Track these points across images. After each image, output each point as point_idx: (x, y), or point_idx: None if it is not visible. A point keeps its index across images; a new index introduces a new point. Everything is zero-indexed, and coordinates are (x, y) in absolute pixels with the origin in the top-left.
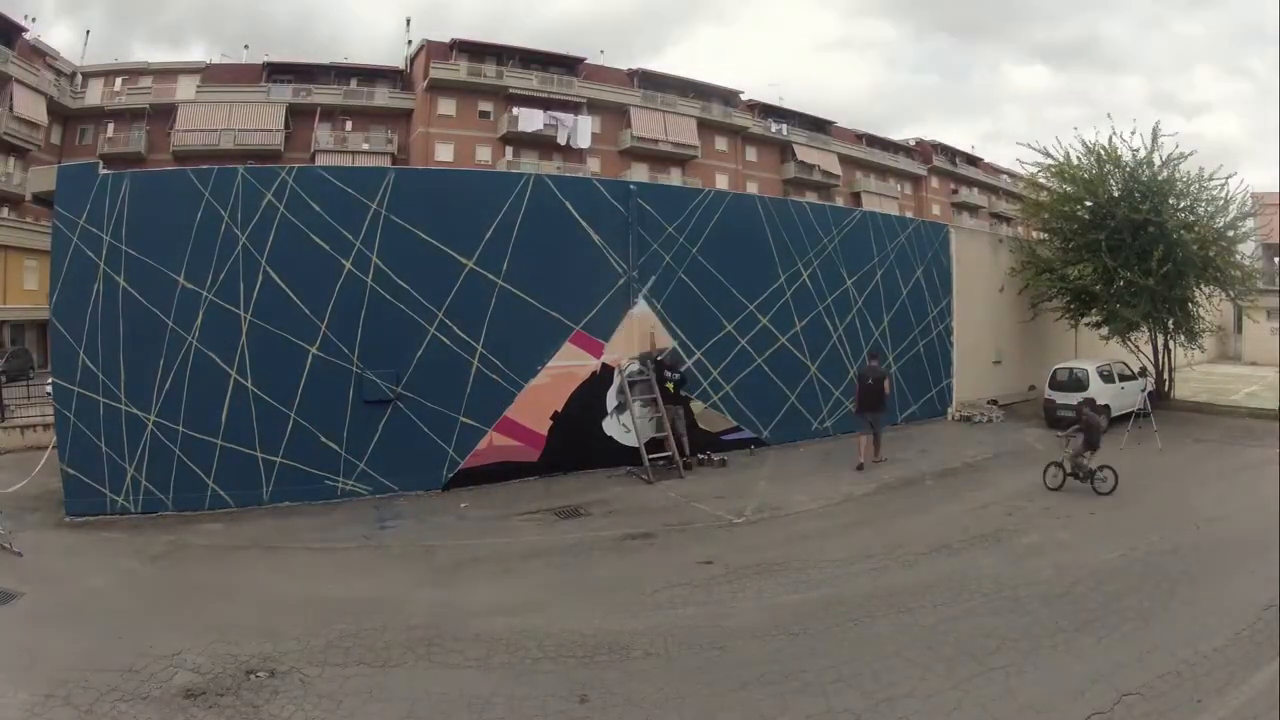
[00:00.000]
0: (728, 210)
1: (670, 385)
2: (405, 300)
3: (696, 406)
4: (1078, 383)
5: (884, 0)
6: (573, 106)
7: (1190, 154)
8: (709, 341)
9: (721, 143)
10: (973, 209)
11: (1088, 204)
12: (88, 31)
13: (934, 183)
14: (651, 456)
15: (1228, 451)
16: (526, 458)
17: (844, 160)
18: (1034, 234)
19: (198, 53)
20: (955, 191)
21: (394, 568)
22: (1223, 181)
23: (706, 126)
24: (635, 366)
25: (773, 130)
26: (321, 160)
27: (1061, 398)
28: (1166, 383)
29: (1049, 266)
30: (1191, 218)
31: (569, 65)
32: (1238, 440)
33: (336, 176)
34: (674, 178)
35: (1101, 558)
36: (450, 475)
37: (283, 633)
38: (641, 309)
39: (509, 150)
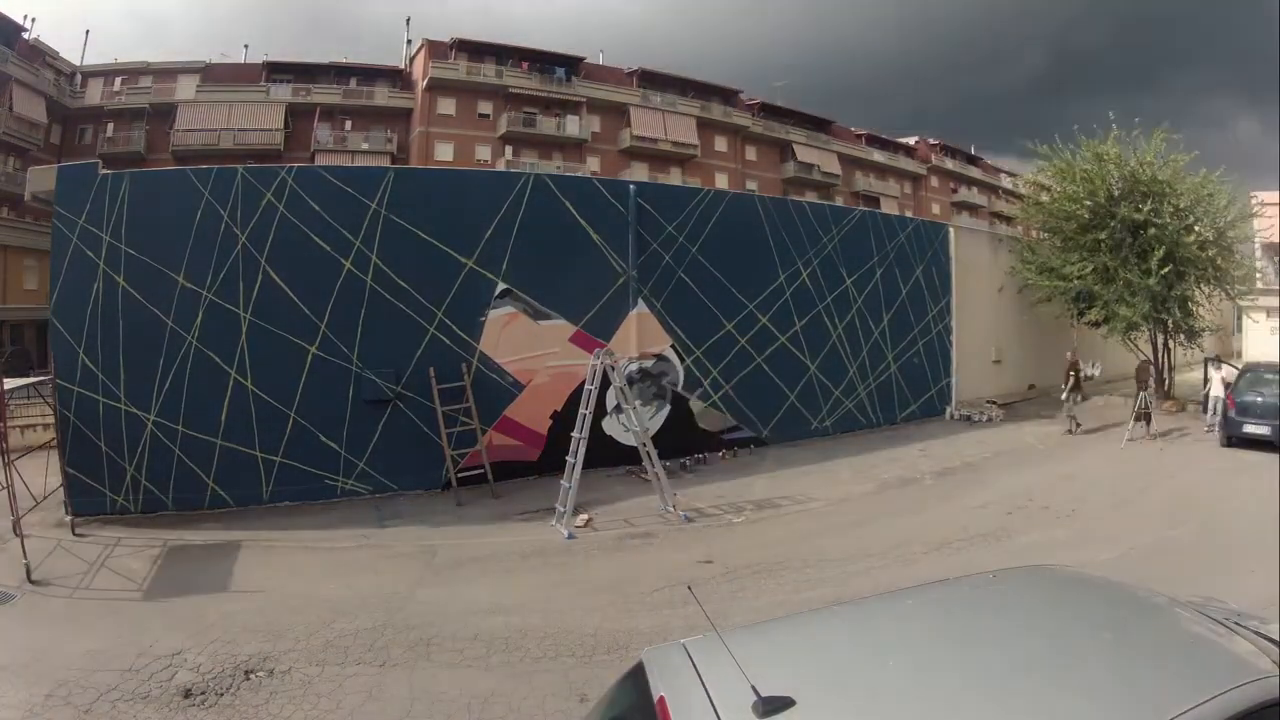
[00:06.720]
0: (727, 210)
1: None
2: (405, 300)
3: (696, 406)
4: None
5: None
6: (573, 106)
7: (1192, 155)
8: (709, 341)
9: (721, 142)
10: (973, 208)
11: (1088, 204)
12: (87, 31)
13: (934, 182)
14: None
15: (1228, 451)
16: (526, 457)
17: (844, 160)
18: (1034, 233)
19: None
20: (955, 191)
21: (394, 567)
22: (1224, 182)
23: (706, 126)
24: (634, 368)
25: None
26: (321, 160)
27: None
28: (1166, 382)
29: (1049, 266)
30: (1192, 218)
31: (569, 64)
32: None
33: (336, 176)
34: (674, 177)
35: (1101, 558)
36: (450, 475)
37: (283, 633)
38: (641, 309)
39: (509, 149)
